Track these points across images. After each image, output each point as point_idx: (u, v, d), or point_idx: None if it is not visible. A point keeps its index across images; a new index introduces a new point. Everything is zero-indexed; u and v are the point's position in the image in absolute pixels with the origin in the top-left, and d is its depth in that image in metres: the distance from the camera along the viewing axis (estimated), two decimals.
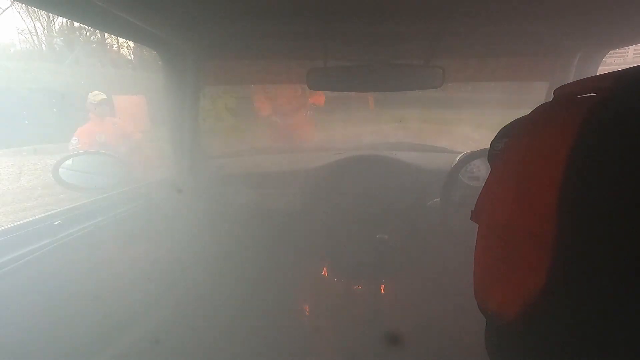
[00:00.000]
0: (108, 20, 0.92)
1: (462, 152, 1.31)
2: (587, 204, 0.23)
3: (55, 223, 0.87)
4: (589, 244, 0.22)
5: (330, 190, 1.47)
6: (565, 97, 0.29)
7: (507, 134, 0.36)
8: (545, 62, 1.38)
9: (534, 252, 0.25)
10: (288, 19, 0.95)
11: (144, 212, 1.21)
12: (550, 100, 0.31)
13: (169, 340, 1.05)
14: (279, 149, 1.60)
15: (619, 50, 1.27)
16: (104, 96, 2.17)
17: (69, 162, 1.19)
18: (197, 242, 1.30)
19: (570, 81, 0.30)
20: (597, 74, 0.29)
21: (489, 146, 0.38)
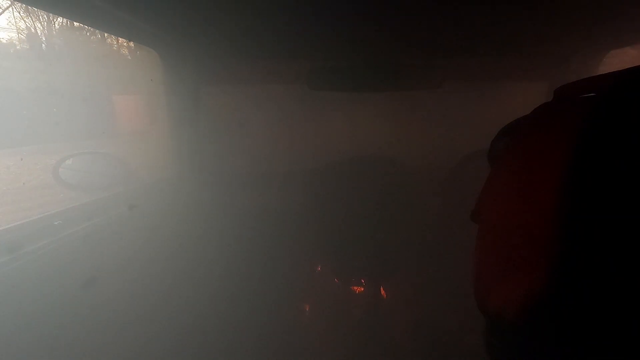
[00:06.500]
0: (108, 20, 0.92)
1: (462, 152, 1.31)
2: (587, 204, 0.23)
3: (55, 223, 0.87)
4: (589, 244, 0.22)
5: (330, 190, 1.47)
6: (565, 97, 0.29)
7: (507, 133, 0.36)
8: (545, 62, 1.38)
9: (534, 252, 0.25)
10: (288, 19, 0.94)
11: (144, 212, 1.21)
12: (550, 100, 0.31)
13: (168, 340, 1.05)
14: (279, 148, 1.60)
15: (619, 50, 1.27)
16: None
17: (69, 162, 1.19)
18: (197, 241, 1.30)
19: (570, 81, 0.29)
20: (597, 74, 0.29)
21: (489, 146, 0.38)
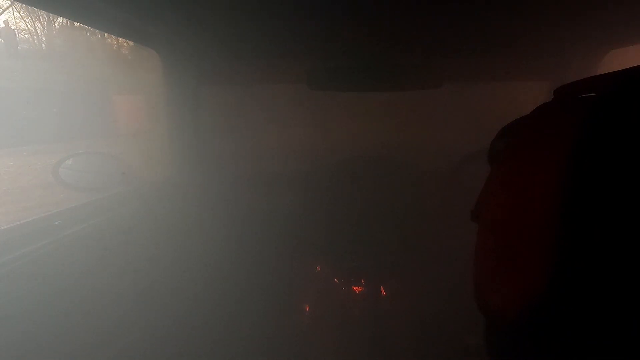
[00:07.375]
0: (108, 20, 0.92)
1: (462, 152, 1.31)
2: (587, 204, 0.23)
3: (55, 223, 0.87)
4: (589, 244, 0.22)
5: (330, 190, 1.47)
6: (565, 97, 0.29)
7: (507, 133, 0.36)
8: (545, 62, 1.38)
9: (533, 252, 0.25)
10: (288, 19, 0.95)
11: (143, 212, 1.21)
12: (550, 100, 0.31)
13: (168, 340, 1.06)
14: (279, 148, 1.60)
15: (619, 50, 1.27)
16: None
17: (69, 162, 1.18)
18: (197, 242, 1.30)
19: (570, 81, 0.29)
20: (597, 74, 0.29)
21: (489, 146, 0.38)
